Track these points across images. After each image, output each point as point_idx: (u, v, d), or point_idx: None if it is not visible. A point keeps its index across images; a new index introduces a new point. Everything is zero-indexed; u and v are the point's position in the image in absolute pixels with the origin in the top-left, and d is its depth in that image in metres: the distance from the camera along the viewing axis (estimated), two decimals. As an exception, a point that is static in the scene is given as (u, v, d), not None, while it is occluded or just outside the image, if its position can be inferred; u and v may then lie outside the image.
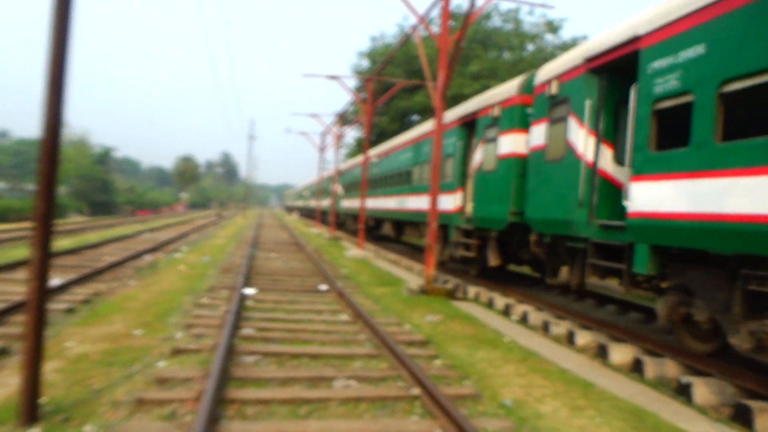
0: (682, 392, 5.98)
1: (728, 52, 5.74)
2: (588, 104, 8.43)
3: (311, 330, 7.69)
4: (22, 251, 15.48)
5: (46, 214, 4.28)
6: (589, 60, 8.40)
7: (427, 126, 17.52)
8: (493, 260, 12.22)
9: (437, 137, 12.15)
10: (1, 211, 35.67)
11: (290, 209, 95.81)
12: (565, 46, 38.03)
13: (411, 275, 15.00)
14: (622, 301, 10.77)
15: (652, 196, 6.77)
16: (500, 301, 10.81)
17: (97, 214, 51.82)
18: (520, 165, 10.77)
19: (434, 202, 12.18)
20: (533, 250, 10.51)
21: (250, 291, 10.34)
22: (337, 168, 34.84)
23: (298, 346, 6.81)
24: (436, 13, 24.90)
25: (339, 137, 34.16)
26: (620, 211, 7.85)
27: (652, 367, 6.66)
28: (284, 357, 6.35)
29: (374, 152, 26.13)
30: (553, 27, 40.06)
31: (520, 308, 10.00)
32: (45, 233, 4.28)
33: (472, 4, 11.14)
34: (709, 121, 5.92)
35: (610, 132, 8.37)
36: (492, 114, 11.84)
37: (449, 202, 14.00)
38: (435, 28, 27.71)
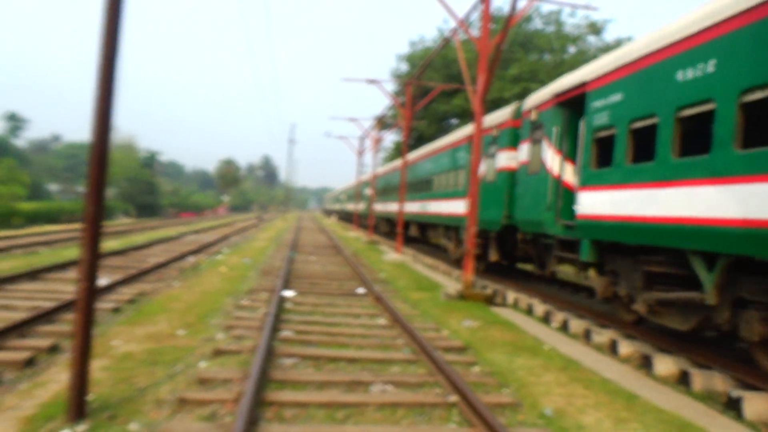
0: (732, 406, 5.75)
1: (634, 100, 7.84)
2: (555, 130, 10.47)
3: (349, 334, 7.72)
4: (73, 251, 16.09)
5: (95, 217, 4.42)
6: (556, 96, 10.45)
7: (444, 141, 19.94)
8: (492, 256, 14.24)
9: (476, 141, 12.12)
10: (53, 212, 37.20)
11: (329, 212, 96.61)
12: (608, 48, 37.16)
13: (449, 280, 14.91)
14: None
15: (591, 202, 8.81)
16: (540, 307, 10.63)
17: (143, 216, 53.44)
18: (511, 177, 12.89)
19: (474, 205, 12.10)
20: (520, 246, 12.53)
21: (288, 293, 10.47)
22: (374, 172, 34.93)
23: (335, 349, 6.84)
24: (475, 16, 24.72)
25: (377, 141, 34.25)
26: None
27: (699, 379, 6.42)
28: (322, 360, 6.40)
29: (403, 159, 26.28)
30: (596, 28, 39.14)
31: (560, 315, 9.80)
32: (94, 235, 4.41)
33: (513, 7, 11.01)
34: (623, 148, 7.98)
35: (572, 152, 10.28)
36: (492, 134, 14.06)
37: (461, 207, 15.74)
38: (475, 32, 27.50)
